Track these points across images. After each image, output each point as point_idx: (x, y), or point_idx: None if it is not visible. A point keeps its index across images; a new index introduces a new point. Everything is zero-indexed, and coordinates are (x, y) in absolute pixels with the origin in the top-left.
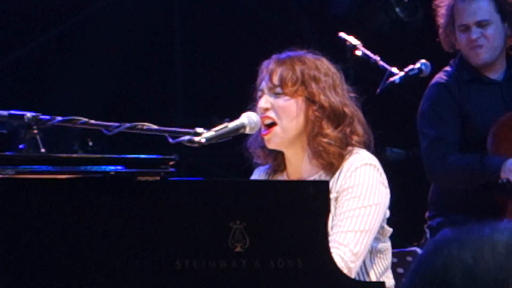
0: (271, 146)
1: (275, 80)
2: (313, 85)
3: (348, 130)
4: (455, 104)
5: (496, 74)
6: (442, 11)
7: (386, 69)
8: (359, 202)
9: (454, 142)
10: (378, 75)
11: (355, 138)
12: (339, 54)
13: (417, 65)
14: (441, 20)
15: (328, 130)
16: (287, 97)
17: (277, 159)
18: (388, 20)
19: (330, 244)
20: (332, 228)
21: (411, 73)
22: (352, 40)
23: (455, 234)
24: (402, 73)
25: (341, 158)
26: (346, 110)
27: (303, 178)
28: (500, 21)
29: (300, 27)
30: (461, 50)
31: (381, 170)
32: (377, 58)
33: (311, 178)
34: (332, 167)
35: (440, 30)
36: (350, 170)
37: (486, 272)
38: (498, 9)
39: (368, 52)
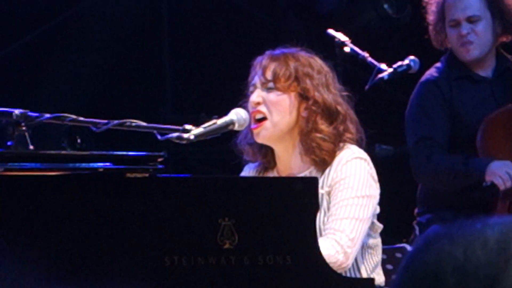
0: (259, 140)
1: (268, 75)
2: (307, 81)
3: (341, 127)
4: (445, 102)
5: (486, 71)
6: (432, 8)
7: (374, 65)
8: (352, 192)
9: (441, 141)
10: (366, 72)
11: (348, 135)
12: (328, 51)
13: (406, 61)
14: (431, 18)
15: (323, 126)
16: (279, 92)
17: (267, 156)
18: (377, 16)
19: (327, 231)
20: (325, 222)
21: (399, 69)
22: (340, 36)
23: (446, 230)
24: (390, 70)
25: (333, 154)
26: (339, 108)
27: (294, 174)
28: (491, 18)
29: (288, 24)
30: (451, 46)
31: (371, 164)
32: (366, 54)
33: (302, 175)
34: (324, 163)
35: (430, 28)
36: (341, 163)
37: (477, 268)
38: (488, 6)
39: (356, 49)
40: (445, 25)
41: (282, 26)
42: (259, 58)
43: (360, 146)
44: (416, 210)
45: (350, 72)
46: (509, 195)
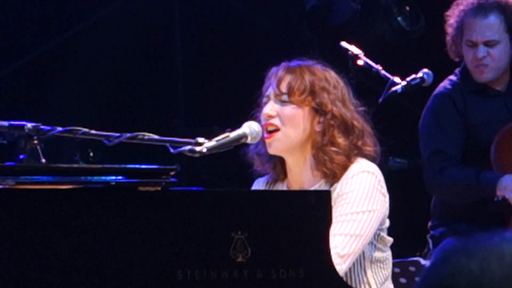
0: (271, 150)
1: (283, 87)
2: (324, 96)
3: (359, 142)
4: (459, 115)
5: (500, 85)
6: (451, 20)
7: (388, 78)
8: (352, 207)
9: (454, 154)
10: (380, 85)
11: (367, 149)
12: (341, 64)
13: (419, 74)
14: (449, 29)
15: (340, 139)
16: (293, 106)
17: (277, 167)
18: (390, 29)
19: None
20: None
21: (413, 82)
22: (354, 49)
23: (463, 243)
24: (404, 83)
25: (345, 167)
26: (355, 123)
27: (304, 187)
28: (509, 41)
29: (302, 36)
30: (466, 64)
31: (380, 178)
32: (379, 67)
33: (312, 188)
34: (334, 177)
35: (448, 38)
36: (347, 177)
37: (493, 282)
38: (507, 29)
39: (370, 62)
40: (463, 41)
41: (296, 38)
42: (274, 69)
43: (375, 160)
44: (429, 224)
45: (363, 85)
46: None
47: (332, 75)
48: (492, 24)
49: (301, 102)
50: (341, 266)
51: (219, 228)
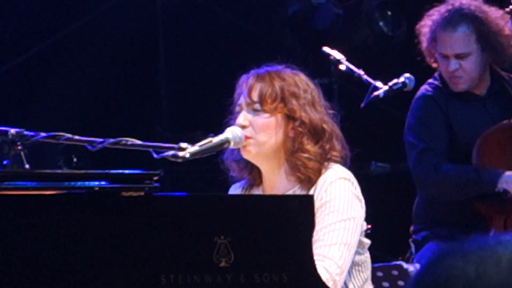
0: (246, 156)
1: (254, 96)
2: (294, 102)
3: (327, 146)
4: (443, 116)
5: (480, 89)
6: (424, 31)
7: (370, 83)
8: (338, 215)
9: (444, 153)
10: (362, 89)
11: (334, 153)
12: (323, 68)
13: (401, 79)
14: (423, 40)
15: (309, 146)
16: (266, 115)
17: (253, 172)
18: (372, 34)
19: (315, 257)
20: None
21: (395, 87)
22: (336, 54)
23: (459, 245)
24: (386, 87)
25: (319, 173)
26: (325, 126)
27: (279, 192)
28: (480, 51)
29: (284, 41)
30: (442, 73)
31: (355, 183)
32: (361, 72)
33: (287, 193)
34: (309, 182)
35: (423, 48)
36: (325, 184)
37: (489, 286)
38: (478, 40)
39: (352, 66)
40: (437, 52)
41: (278, 43)
42: (244, 77)
43: (345, 163)
44: (412, 228)
45: (345, 90)
46: (505, 211)
47: (301, 79)
48: (462, 37)
49: (274, 110)
50: (339, 276)
51: (202, 233)
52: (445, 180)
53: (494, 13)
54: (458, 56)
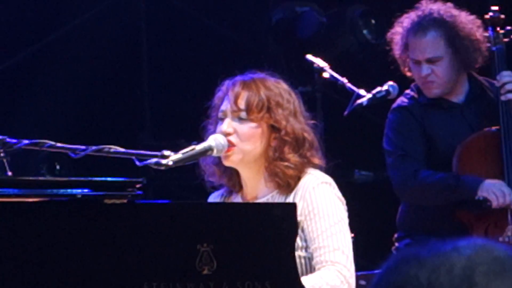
0: (227, 163)
1: (241, 104)
2: (279, 112)
3: (308, 154)
4: (418, 126)
5: (458, 96)
6: (396, 39)
7: (353, 91)
8: (330, 219)
9: (422, 159)
10: (345, 97)
11: (314, 161)
12: (307, 76)
13: (385, 87)
14: (395, 48)
15: (290, 155)
16: (253, 124)
17: (232, 178)
18: (356, 42)
19: (323, 264)
20: (304, 248)
21: (378, 95)
22: (319, 62)
23: (416, 251)
24: (369, 95)
25: (298, 179)
26: (306, 135)
27: (258, 199)
28: (452, 55)
29: (268, 49)
30: (416, 80)
31: (336, 187)
32: (345, 80)
33: (264, 199)
34: (288, 187)
35: (396, 56)
36: (307, 190)
37: None
38: (449, 44)
39: (335, 74)
40: (409, 59)
41: (262, 51)
42: (228, 83)
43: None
44: (395, 235)
45: (329, 97)
46: (487, 218)
47: (284, 88)
48: (432, 41)
49: (260, 119)
50: (352, 279)
51: (185, 241)
52: (424, 186)
53: (464, 17)
54: (430, 61)
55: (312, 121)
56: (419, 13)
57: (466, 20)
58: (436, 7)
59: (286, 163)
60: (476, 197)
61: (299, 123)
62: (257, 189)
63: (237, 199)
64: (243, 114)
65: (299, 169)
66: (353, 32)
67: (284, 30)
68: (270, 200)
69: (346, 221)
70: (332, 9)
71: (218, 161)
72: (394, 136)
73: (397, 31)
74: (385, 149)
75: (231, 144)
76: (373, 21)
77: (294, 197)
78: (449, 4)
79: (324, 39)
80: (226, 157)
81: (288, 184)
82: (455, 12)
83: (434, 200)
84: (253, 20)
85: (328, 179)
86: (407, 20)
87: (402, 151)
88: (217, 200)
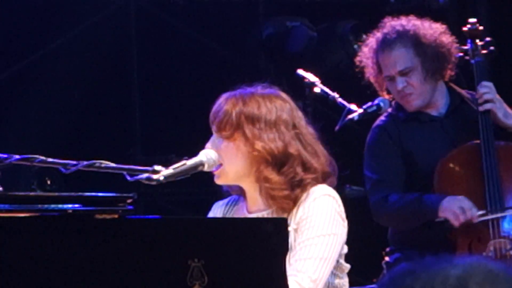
0: (218, 182)
1: (215, 123)
2: (249, 128)
3: (298, 169)
4: (394, 145)
5: (437, 109)
6: (367, 61)
7: (344, 106)
8: (318, 230)
9: (395, 183)
10: (336, 112)
11: (307, 176)
12: (298, 91)
13: (376, 102)
14: (368, 70)
15: (271, 175)
16: (225, 142)
17: (241, 189)
18: (347, 57)
19: (289, 273)
20: (290, 259)
21: (369, 110)
22: (310, 77)
23: (411, 266)
24: (360, 110)
25: (292, 199)
26: (290, 149)
27: (261, 210)
28: (423, 63)
29: (258, 64)
30: (394, 97)
31: (340, 202)
32: (336, 95)
33: (269, 210)
34: (284, 211)
35: (370, 79)
36: (309, 201)
37: None
38: (417, 53)
39: (326, 89)
40: (384, 78)
41: (252, 66)
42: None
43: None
44: (386, 249)
45: (320, 112)
46: (470, 234)
47: (271, 99)
48: (400, 53)
49: (229, 136)
50: None
51: (176, 256)
52: (392, 212)
53: (427, 25)
54: (402, 73)
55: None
56: (384, 30)
57: (429, 26)
58: (398, 22)
59: (268, 185)
60: (436, 219)
61: (280, 136)
62: (260, 200)
63: (242, 210)
64: (218, 133)
65: (286, 188)
66: (343, 46)
67: (275, 44)
68: (274, 214)
69: (339, 237)
70: (323, 23)
71: None
72: (370, 159)
73: (365, 54)
74: (364, 173)
75: (219, 163)
76: (364, 36)
77: (297, 210)
78: (411, 17)
79: (315, 53)
80: (216, 177)
81: (283, 208)
82: (416, 22)
83: (403, 224)
84: (244, 35)
85: (333, 193)
86: (372, 40)
87: (377, 175)
88: (221, 208)
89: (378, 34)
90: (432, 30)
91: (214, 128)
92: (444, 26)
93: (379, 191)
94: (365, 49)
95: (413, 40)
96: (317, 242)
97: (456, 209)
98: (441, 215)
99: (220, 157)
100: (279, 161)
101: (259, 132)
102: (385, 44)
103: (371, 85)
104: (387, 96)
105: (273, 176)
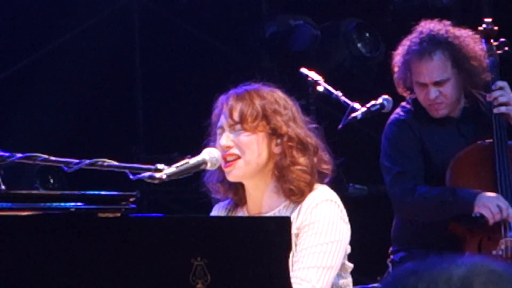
0: (231, 178)
1: (235, 116)
2: (278, 118)
3: (315, 159)
4: (416, 139)
5: (454, 112)
6: (398, 60)
7: (348, 104)
8: (321, 238)
9: (419, 175)
10: (340, 111)
11: (324, 166)
12: (301, 90)
13: (379, 100)
14: (396, 68)
15: (301, 158)
16: (248, 133)
17: (238, 193)
18: (350, 55)
19: (292, 280)
20: (293, 264)
21: (373, 108)
22: (313, 75)
23: (415, 266)
24: (364, 109)
25: (310, 187)
26: (309, 140)
27: (263, 213)
28: (458, 74)
29: (262, 62)
30: (419, 101)
31: (341, 206)
32: (339, 93)
33: (271, 213)
34: (302, 195)
35: (396, 76)
36: (310, 206)
37: None
38: (455, 64)
39: (329, 88)
40: (413, 81)
41: (255, 65)
42: (223, 98)
43: (329, 176)
44: (390, 249)
45: (323, 111)
46: (480, 233)
47: (280, 96)
48: (439, 65)
49: (254, 128)
50: None
51: (179, 255)
52: (421, 202)
53: (466, 36)
54: (437, 84)
55: (314, 125)
56: (422, 35)
57: (469, 39)
58: (437, 27)
59: (299, 167)
60: (472, 214)
61: (300, 128)
62: (263, 202)
63: (241, 213)
64: (238, 127)
65: (311, 174)
66: (347, 45)
67: (278, 43)
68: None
69: (342, 243)
70: (326, 22)
71: (222, 179)
72: (392, 151)
73: (400, 53)
74: (383, 165)
75: (236, 157)
76: (367, 34)
77: (299, 212)
78: (447, 23)
79: (318, 52)
80: (229, 173)
81: (302, 192)
82: (457, 32)
83: (432, 215)
84: (247, 33)
85: (334, 197)
86: (409, 42)
87: (399, 167)
88: (221, 211)
89: (416, 38)
90: (471, 42)
91: (228, 124)
92: (477, 35)
93: (404, 182)
94: (401, 48)
95: (453, 53)
96: (321, 250)
97: (494, 207)
98: (477, 210)
99: (241, 150)
100: (304, 148)
101: (286, 121)
102: (424, 51)
103: (375, 83)
104: (405, 94)
105: (302, 159)
